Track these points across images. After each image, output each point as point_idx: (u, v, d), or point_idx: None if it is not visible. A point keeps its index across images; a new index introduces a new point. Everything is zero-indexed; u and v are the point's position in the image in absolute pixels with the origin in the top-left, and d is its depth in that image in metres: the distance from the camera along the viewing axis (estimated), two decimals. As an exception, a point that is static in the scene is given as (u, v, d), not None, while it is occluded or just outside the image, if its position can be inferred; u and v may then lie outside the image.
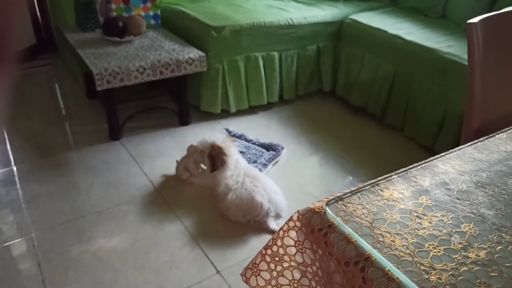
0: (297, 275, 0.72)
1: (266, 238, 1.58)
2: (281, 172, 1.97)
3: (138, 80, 2.02)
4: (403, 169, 0.79)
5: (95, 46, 2.20)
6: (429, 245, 0.64)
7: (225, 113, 2.41)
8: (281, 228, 0.72)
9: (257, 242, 1.56)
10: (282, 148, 2.08)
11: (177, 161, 1.88)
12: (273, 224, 1.61)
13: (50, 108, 2.44)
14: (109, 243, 1.53)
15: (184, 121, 2.31)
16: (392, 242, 0.64)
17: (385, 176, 0.78)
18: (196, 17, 2.34)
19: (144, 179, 1.87)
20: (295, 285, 0.72)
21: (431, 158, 0.84)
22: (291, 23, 2.40)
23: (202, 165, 1.82)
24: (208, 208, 1.72)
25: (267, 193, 1.62)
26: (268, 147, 2.09)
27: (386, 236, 0.65)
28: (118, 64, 1.97)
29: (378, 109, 2.36)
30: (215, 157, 1.76)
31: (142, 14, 2.44)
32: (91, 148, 2.08)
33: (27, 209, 1.67)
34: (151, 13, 2.47)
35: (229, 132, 2.21)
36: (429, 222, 0.68)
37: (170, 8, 2.57)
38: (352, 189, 0.74)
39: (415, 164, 0.81)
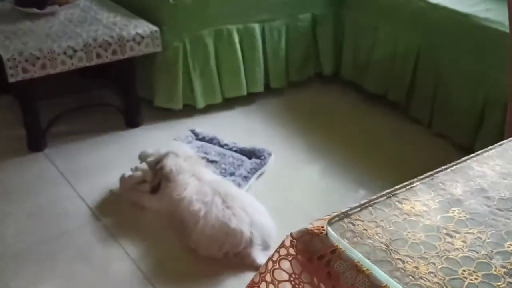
0: (293, 319, 0.75)
1: (251, 276, 1.56)
2: (268, 187, 1.98)
3: (67, 67, 2.01)
4: (428, 173, 0.83)
5: (4, 22, 2.19)
6: (464, 271, 0.67)
7: (190, 109, 2.41)
8: (270, 259, 0.75)
9: (239, 283, 1.56)
10: (269, 155, 2.09)
11: (123, 176, 1.89)
12: (260, 257, 1.61)
13: None
14: (34, 293, 1.52)
15: (132, 122, 2.31)
16: (415, 269, 0.67)
17: (404, 183, 0.81)
18: (145, -22, 2.36)
19: (79, 204, 1.87)
20: (292, 332, 0.75)
21: (464, 158, 0.88)
22: (275, -17, 2.44)
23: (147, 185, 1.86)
24: (170, 239, 1.72)
25: (247, 215, 1.64)
26: (250, 153, 2.10)
27: (407, 262, 0.68)
28: (38, 45, 1.96)
29: (401, 96, 2.39)
30: (156, 175, 1.81)
31: (69, -24, 2.44)
32: (2, 163, 2.07)
33: None
34: (82, -27, 2.47)
35: (195, 135, 2.22)
36: (463, 241, 0.71)
37: (108, -33, 2.57)
38: (362, 202, 0.77)
39: (443, 167, 0.85)
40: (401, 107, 2.42)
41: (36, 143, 2.15)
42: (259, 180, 2.02)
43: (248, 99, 2.54)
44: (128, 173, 1.90)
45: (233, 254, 1.63)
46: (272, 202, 1.84)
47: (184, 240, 1.69)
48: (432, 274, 0.67)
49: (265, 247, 1.67)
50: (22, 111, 2.11)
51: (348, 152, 2.19)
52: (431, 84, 2.27)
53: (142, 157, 1.91)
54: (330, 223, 0.74)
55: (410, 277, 0.66)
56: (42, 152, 2.14)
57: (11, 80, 1.93)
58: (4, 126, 2.30)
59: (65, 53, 1.99)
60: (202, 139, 2.19)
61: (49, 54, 1.96)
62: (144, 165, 1.88)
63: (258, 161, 2.06)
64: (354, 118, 2.45)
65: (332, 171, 2.08)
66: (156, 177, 1.82)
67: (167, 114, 2.40)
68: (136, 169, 1.89)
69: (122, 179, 1.89)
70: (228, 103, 2.49)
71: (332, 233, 0.72)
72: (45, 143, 2.17)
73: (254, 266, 1.60)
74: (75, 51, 2.01)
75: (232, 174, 1.98)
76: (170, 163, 1.80)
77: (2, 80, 2.00)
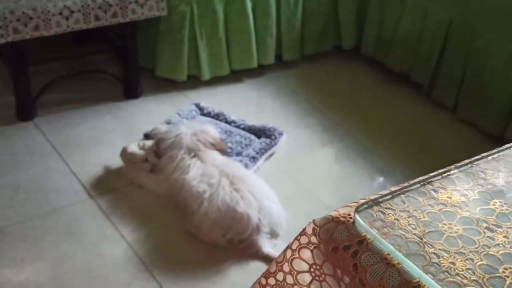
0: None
1: (257, 266, 1.60)
2: (278, 169, 1.99)
3: (62, 29, 2.01)
4: (467, 161, 0.82)
5: (-6, -24, 2.18)
6: (505, 269, 0.66)
7: (194, 81, 2.41)
8: (288, 246, 0.74)
9: (243, 272, 1.58)
10: (280, 134, 2.10)
11: (125, 148, 1.89)
12: (267, 246, 1.64)
13: None
14: (19, 276, 1.53)
15: (131, 93, 2.32)
16: (451, 265, 0.67)
17: (441, 171, 0.80)
18: None
19: (71, 179, 1.88)
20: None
21: (507, 145, 0.87)
22: None
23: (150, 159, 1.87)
24: (169, 223, 1.73)
25: (256, 200, 1.65)
26: (259, 132, 2.11)
27: (443, 256, 0.67)
28: (31, 4, 1.95)
29: (425, 77, 2.38)
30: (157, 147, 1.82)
31: None
32: (-12, 132, 2.08)
33: None
34: None
35: (200, 109, 2.23)
36: (504, 237, 0.70)
37: None
38: (393, 189, 0.76)
39: (484, 154, 0.84)
40: (423, 90, 2.43)
41: (25, 111, 2.15)
42: (268, 162, 2.03)
43: (257, 72, 2.54)
44: (133, 145, 1.91)
45: (238, 241, 1.65)
46: (281, 187, 1.84)
47: (183, 223, 1.71)
48: (470, 271, 0.67)
49: (273, 235, 1.68)
50: (12, 76, 2.11)
51: (366, 135, 2.19)
52: (459, 65, 2.26)
53: (153, 136, 1.90)
54: (357, 210, 0.73)
55: (446, 273, 0.66)
56: (32, 121, 2.15)
57: (1, 41, 1.92)
58: (-9, 92, 2.31)
59: (60, 13, 1.98)
60: (208, 114, 2.20)
61: (43, 14, 1.95)
62: (150, 144, 1.88)
63: (268, 141, 2.06)
64: (373, 99, 2.45)
65: (349, 155, 2.09)
66: (156, 155, 1.83)
67: (169, 85, 2.40)
68: (143, 147, 1.89)
69: (124, 152, 1.89)
70: (236, 76, 2.49)
71: (360, 221, 0.71)
72: (35, 112, 2.18)
73: (259, 255, 1.62)
74: (72, 11, 2.00)
75: (239, 154, 1.99)
76: (171, 136, 1.79)
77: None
